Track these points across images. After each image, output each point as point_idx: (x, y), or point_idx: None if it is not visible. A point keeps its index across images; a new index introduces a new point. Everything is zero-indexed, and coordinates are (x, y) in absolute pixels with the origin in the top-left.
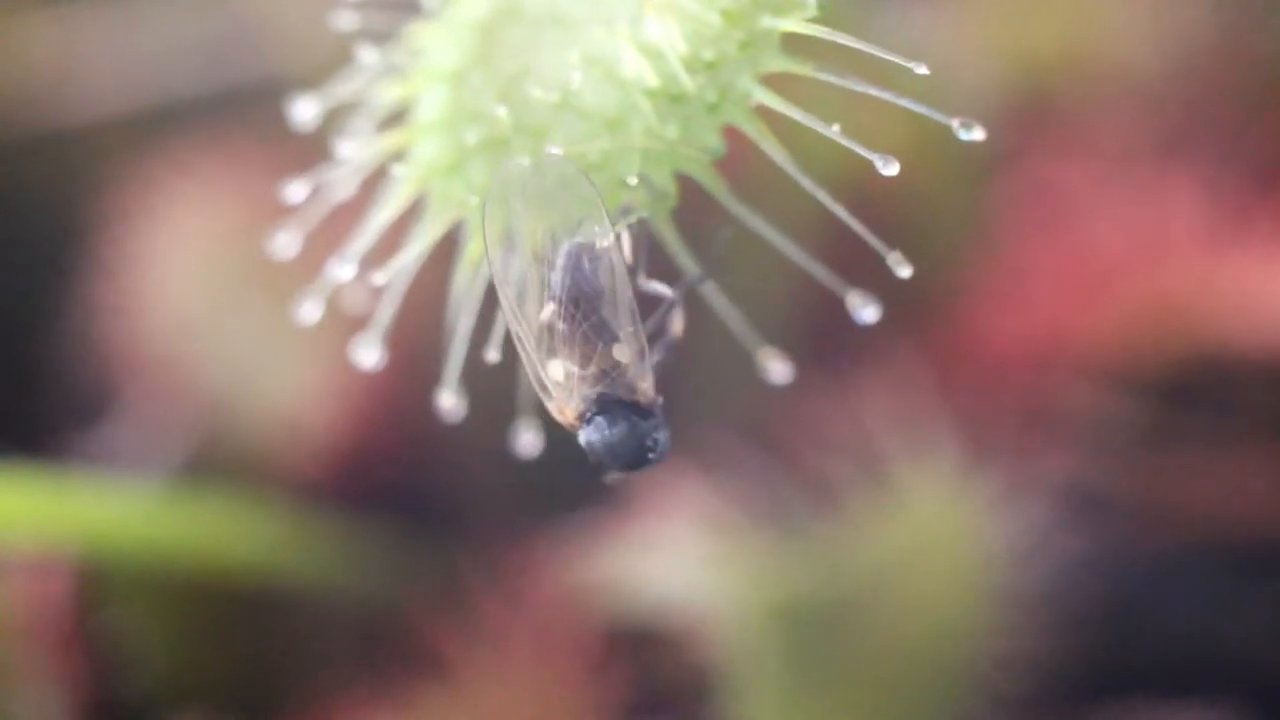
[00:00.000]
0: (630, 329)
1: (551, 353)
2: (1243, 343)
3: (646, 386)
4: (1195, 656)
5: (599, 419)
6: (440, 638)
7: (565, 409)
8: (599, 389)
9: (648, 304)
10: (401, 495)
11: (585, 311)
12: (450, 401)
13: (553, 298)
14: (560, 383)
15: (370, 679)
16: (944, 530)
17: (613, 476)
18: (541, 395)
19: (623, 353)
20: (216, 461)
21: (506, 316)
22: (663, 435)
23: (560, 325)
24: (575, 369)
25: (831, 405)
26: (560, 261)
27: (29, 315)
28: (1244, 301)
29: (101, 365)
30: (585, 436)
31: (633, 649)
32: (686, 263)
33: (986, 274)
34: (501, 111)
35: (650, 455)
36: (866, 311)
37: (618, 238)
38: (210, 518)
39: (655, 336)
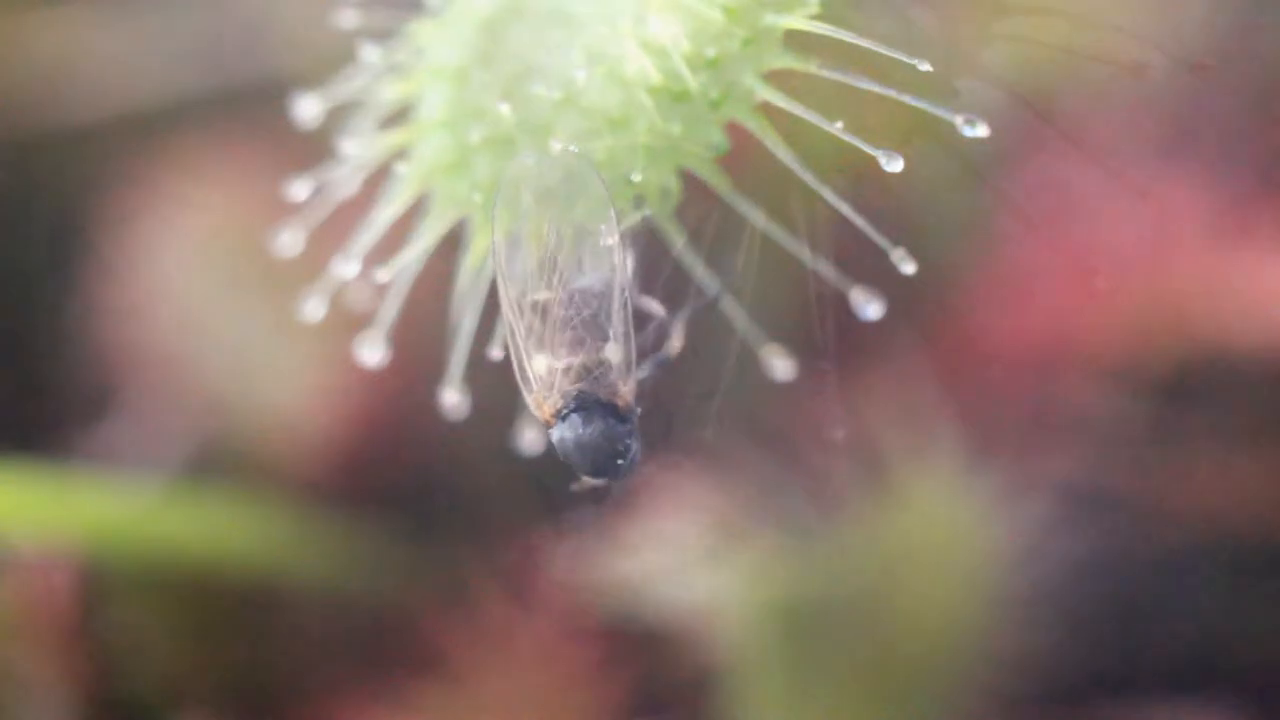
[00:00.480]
0: (622, 330)
1: (540, 345)
2: (1243, 343)
3: (627, 392)
4: (1195, 656)
5: (574, 417)
6: (442, 637)
7: (543, 404)
8: (579, 386)
9: (643, 316)
10: (403, 495)
11: (580, 305)
12: (454, 399)
13: (552, 288)
14: (543, 377)
15: (371, 679)
16: (945, 529)
17: (580, 484)
18: (522, 387)
19: (610, 353)
20: (216, 461)
21: (504, 308)
22: (635, 444)
23: (554, 315)
24: (560, 363)
25: (833, 403)
26: (564, 255)
27: (30, 315)
28: (1244, 301)
29: (102, 364)
30: (558, 433)
31: (633, 649)
32: (690, 261)
33: (988, 273)
34: (505, 109)
35: (620, 462)
36: (871, 308)
37: (622, 238)
38: (210, 518)
39: (648, 349)
